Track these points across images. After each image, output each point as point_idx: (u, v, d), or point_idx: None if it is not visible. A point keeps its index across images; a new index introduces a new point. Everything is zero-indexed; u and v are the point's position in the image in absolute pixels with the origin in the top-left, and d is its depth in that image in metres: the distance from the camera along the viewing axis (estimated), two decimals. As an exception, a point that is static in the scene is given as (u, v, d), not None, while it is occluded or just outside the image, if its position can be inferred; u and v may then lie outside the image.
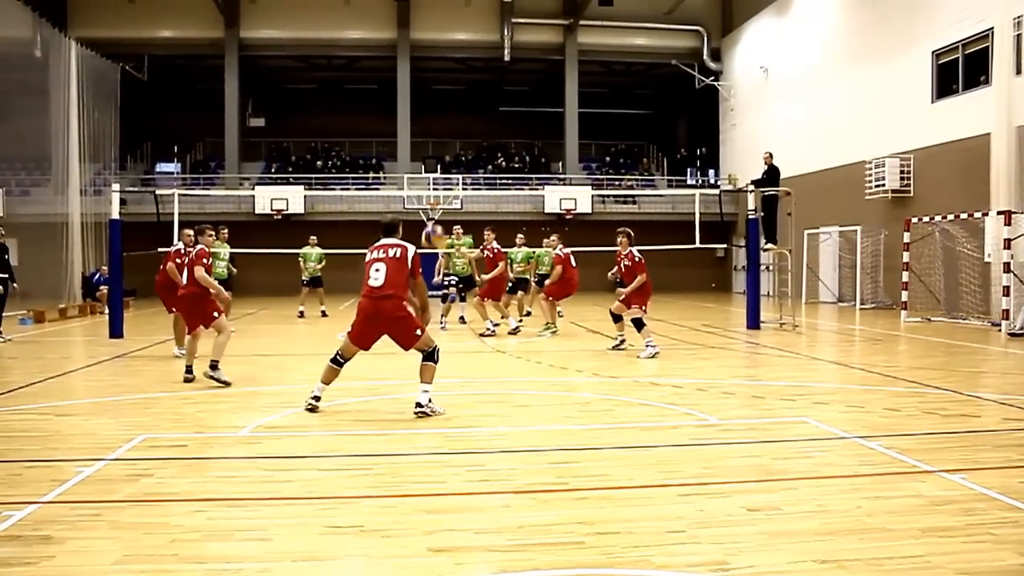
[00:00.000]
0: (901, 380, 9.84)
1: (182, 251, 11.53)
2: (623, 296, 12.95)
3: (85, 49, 24.35)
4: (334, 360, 8.10)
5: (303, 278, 20.59)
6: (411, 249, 8.02)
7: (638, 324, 12.51)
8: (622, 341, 13.17)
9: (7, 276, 15.40)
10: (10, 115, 31.88)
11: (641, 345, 12.53)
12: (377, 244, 8.09)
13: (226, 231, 17.39)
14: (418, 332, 7.85)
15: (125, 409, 8.37)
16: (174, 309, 12.06)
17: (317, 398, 8.03)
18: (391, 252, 7.93)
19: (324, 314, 20.40)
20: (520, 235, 18.11)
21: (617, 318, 13.14)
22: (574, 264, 16.37)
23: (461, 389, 9.16)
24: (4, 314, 15.41)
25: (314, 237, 20.27)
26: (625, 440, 6.76)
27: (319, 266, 20.38)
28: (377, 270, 7.84)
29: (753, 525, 4.60)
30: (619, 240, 13.17)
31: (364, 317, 7.91)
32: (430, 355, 7.89)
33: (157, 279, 12.69)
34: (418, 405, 7.73)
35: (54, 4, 33.71)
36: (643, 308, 12.66)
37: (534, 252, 18.33)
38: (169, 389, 9.62)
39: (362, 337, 8.03)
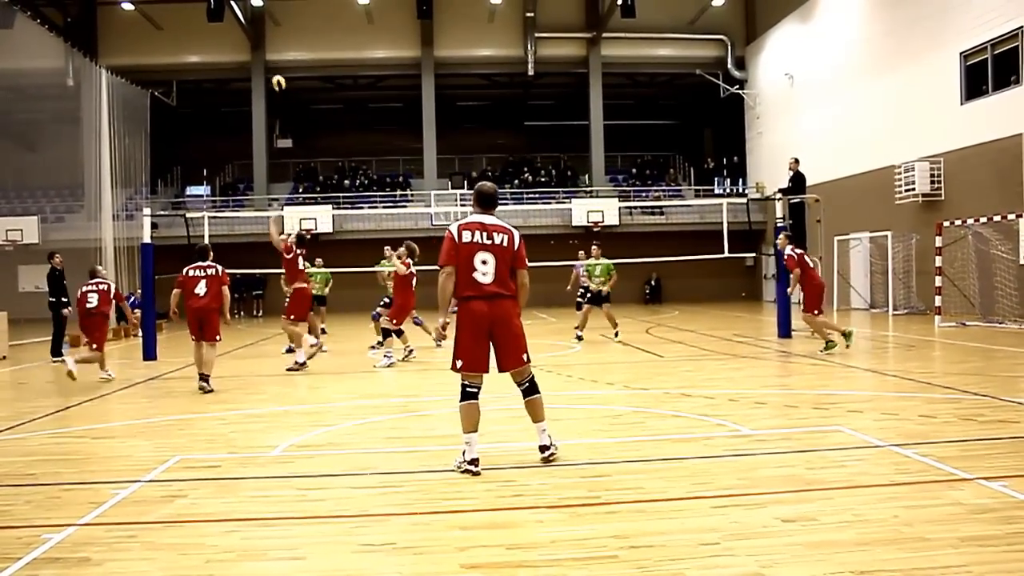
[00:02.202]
0: (936, 386, 9.71)
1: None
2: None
3: (115, 77, 24.74)
4: (465, 395, 6.25)
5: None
6: (517, 234, 6.36)
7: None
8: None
9: (67, 300, 16.29)
10: (44, 144, 32.54)
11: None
12: (476, 222, 6.29)
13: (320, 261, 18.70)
14: (526, 357, 6.40)
15: (159, 431, 8.45)
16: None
17: (475, 461, 6.14)
18: (498, 238, 6.21)
19: (323, 331, 20.30)
20: (595, 246, 17.79)
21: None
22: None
23: (493, 404, 9.15)
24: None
25: (320, 260, 20.21)
26: (658, 452, 6.72)
27: (326, 287, 20.20)
28: (485, 263, 6.16)
29: (788, 536, 4.54)
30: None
31: (475, 326, 6.18)
32: (533, 386, 6.44)
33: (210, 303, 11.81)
34: (544, 448, 6.37)
35: (85, 34, 34.41)
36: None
37: (612, 265, 17.46)
38: (202, 410, 9.70)
39: (480, 353, 6.21)
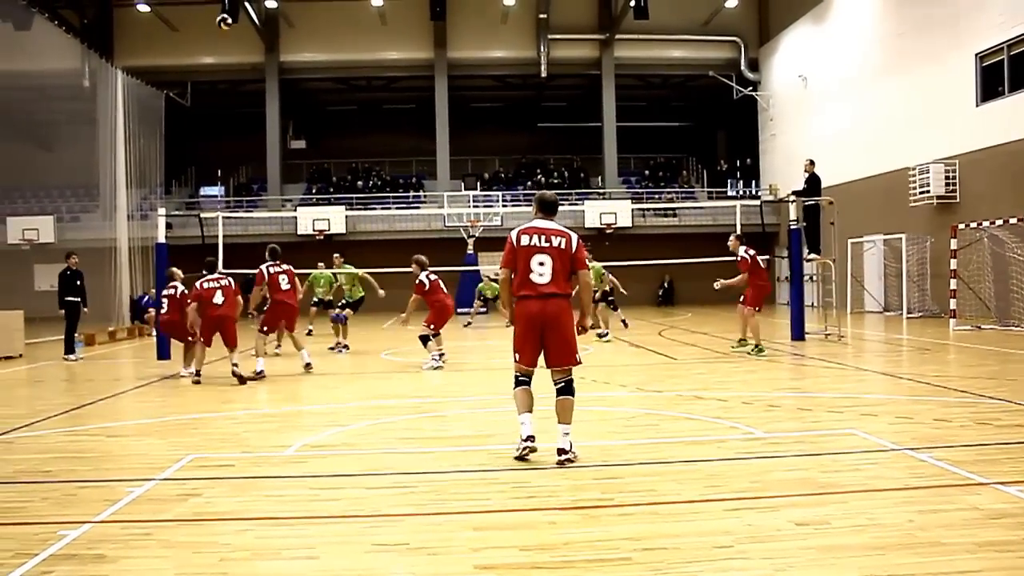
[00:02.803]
0: (952, 390, 9.66)
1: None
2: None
3: (131, 78, 24.86)
4: (518, 382, 6.59)
5: (313, 299, 20.44)
6: (575, 237, 6.63)
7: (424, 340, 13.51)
8: None
9: (79, 300, 16.56)
10: (60, 144, 32.76)
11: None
12: (534, 227, 6.60)
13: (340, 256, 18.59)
14: (578, 357, 6.60)
15: (173, 430, 8.49)
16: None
17: (531, 437, 6.46)
18: (555, 241, 6.51)
19: (309, 332, 20.28)
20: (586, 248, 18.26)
21: None
22: None
23: (504, 405, 9.15)
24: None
25: (322, 263, 20.22)
26: (671, 455, 6.72)
27: (330, 290, 20.19)
28: (542, 264, 6.46)
29: (802, 540, 4.53)
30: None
31: (530, 323, 6.48)
32: (569, 387, 6.54)
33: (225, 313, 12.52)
34: (562, 452, 6.39)
35: (101, 35, 34.61)
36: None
37: (602, 268, 18.83)
38: (216, 410, 9.74)
39: (533, 348, 6.54)
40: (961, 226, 19.49)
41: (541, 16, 35.40)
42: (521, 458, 6.47)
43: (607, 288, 18.88)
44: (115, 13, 35.87)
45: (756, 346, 14.27)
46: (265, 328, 13.22)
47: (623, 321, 20.36)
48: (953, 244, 19.03)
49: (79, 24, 33.94)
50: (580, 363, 6.61)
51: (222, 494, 5.82)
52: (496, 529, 4.88)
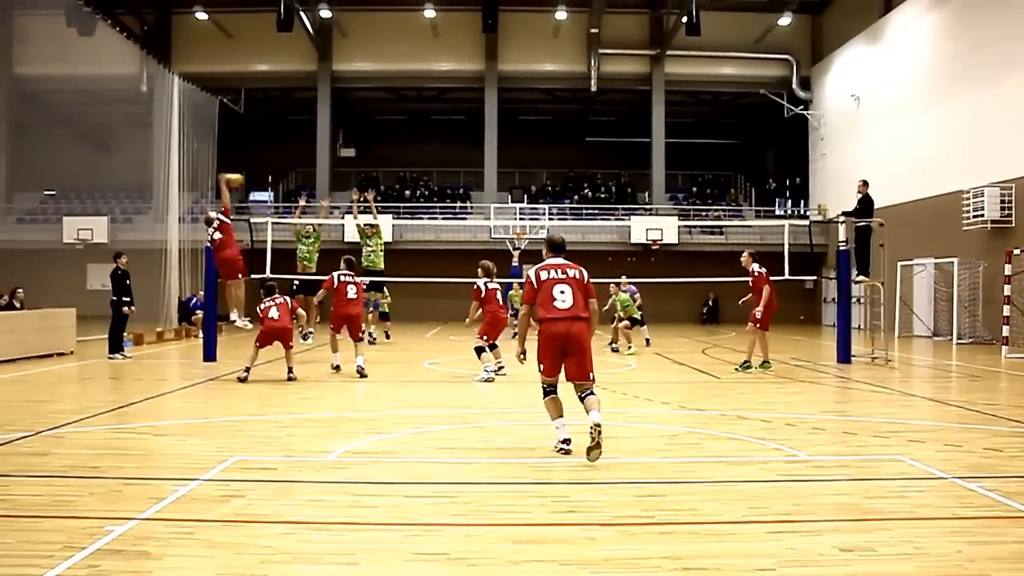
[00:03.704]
0: (1003, 419, 9.45)
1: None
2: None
3: (187, 83, 25.33)
4: (547, 393, 7.45)
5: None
6: (585, 272, 7.61)
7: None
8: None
9: (129, 300, 16.80)
10: (117, 146, 33.48)
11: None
12: (550, 263, 7.56)
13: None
14: (592, 376, 7.31)
15: (218, 431, 8.60)
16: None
17: (567, 440, 7.33)
18: (571, 272, 7.48)
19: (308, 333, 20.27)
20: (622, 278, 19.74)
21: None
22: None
23: (545, 419, 9.14)
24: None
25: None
26: (713, 474, 6.66)
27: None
28: (563, 292, 7.35)
29: (846, 566, 4.46)
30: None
31: (555, 342, 7.27)
32: (592, 392, 7.25)
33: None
34: (596, 426, 6.99)
35: (160, 42, 35.35)
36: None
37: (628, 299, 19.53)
38: (259, 413, 9.85)
39: (556, 363, 7.34)
40: (1016, 251, 19.07)
41: (592, 31, 35.39)
42: (561, 450, 7.29)
43: (633, 315, 19.35)
44: (174, 20, 36.58)
45: (765, 361, 14.63)
46: (333, 327, 14.24)
47: (647, 340, 20.44)
48: (1007, 270, 18.64)
49: (139, 30, 34.68)
50: (594, 381, 7.30)
51: (264, 497, 5.88)
52: (536, 543, 4.87)
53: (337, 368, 14.16)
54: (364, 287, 16.04)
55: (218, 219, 13.45)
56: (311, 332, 18.56)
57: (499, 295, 13.97)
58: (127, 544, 4.71)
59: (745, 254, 15.02)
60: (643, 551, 4.70)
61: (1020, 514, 5.43)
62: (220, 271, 13.75)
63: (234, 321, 13.68)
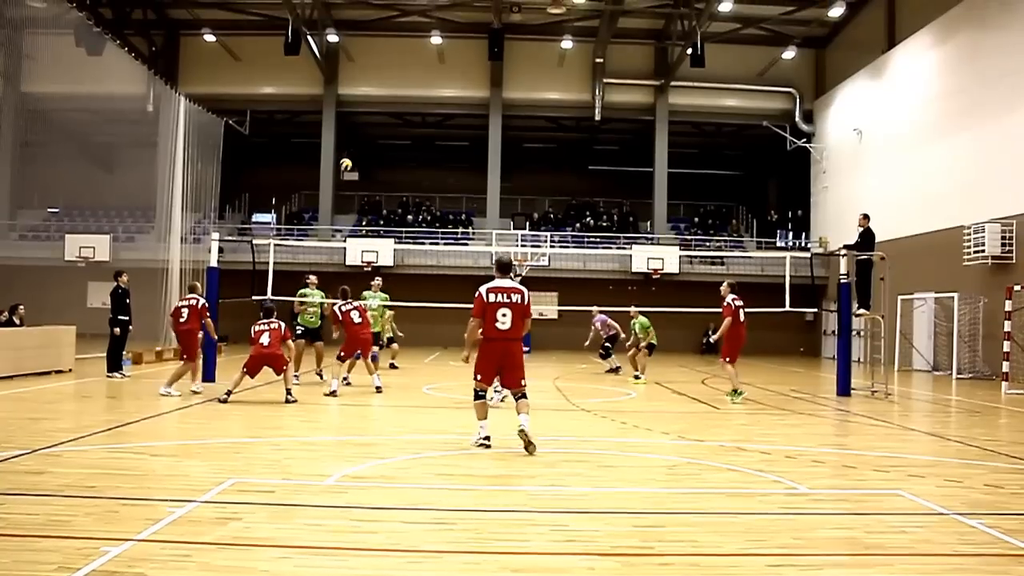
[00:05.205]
0: (1003, 455, 9.41)
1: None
2: None
3: (193, 104, 25.46)
4: (477, 397, 8.94)
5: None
6: (526, 293, 8.96)
7: None
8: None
9: (127, 319, 16.76)
10: (121, 165, 33.61)
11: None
12: (497, 286, 8.90)
13: (315, 278, 17.68)
14: (524, 382, 8.88)
15: (215, 453, 8.57)
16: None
17: (488, 437, 8.85)
18: (514, 298, 8.82)
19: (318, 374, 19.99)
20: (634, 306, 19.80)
21: None
22: None
23: (545, 447, 9.10)
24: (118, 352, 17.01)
25: (366, 292, 20.34)
26: (712, 506, 6.63)
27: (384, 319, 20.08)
28: (504, 315, 8.74)
29: (846, 601, 4.43)
30: None
31: (493, 358, 8.80)
32: (524, 395, 8.82)
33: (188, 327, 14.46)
34: (522, 430, 8.53)
35: (167, 63, 35.60)
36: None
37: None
38: (258, 435, 9.83)
39: (492, 374, 8.94)
40: (1017, 287, 19.06)
41: (597, 60, 35.64)
42: (481, 445, 8.83)
43: (652, 341, 19.31)
44: (182, 42, 36.82)
45: (734, 390, 14.71)
46: (343, 355, 14.64)
47: (615, 368, 20.73)
48: (1008, 305, 18.61)
49: (148, 51, 34.91)
50: (525, 386, 8.88)
51: (262, 520, 5.86)
52: (534, 572, 4.85)
53: (347, 383, 15.21)
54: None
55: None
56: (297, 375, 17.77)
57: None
58: (123, 565, 4.68)
59: (725, 284, 15.17)
60: (642, 582, 4.67)
61: (1021, 552, 5.40)
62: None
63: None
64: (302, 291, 16.92)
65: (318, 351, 17.06)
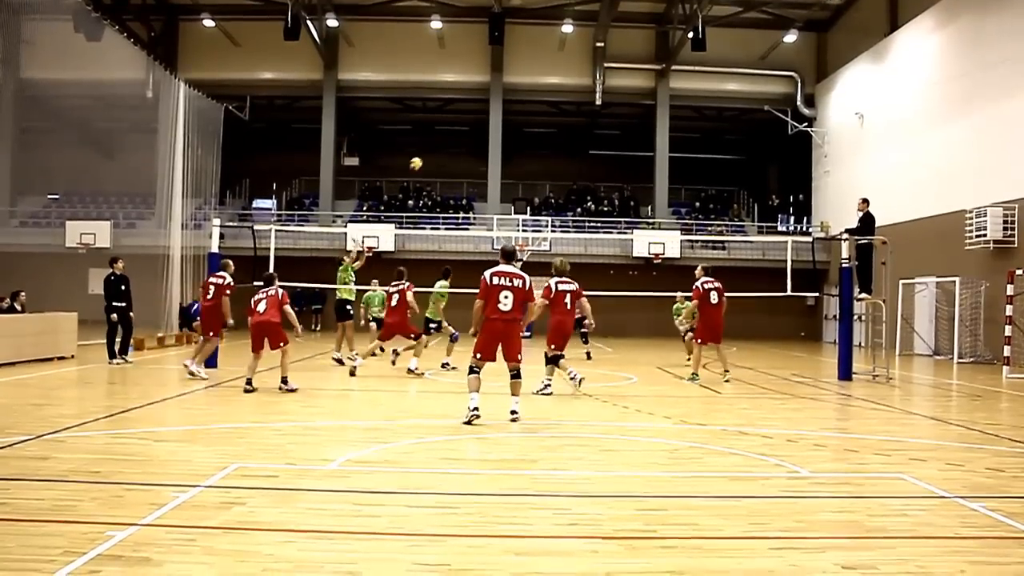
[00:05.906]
0: (1004, 439, 9.43)
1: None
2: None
3: (192, 90, 25.40)
4: (472, 371, 9.55)
5: (369, 317, 20.85)
6: (528, 279, 9.75)
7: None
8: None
9: (123, 305, 16.71)
10: (121, 152, 33.54)
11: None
12: (500, 271, 9.70)
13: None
14: (520, 357, 9.75)
15: (218, 438, 8.59)
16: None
17: (477, 408, 9.39)
18: (516, 283, 9.61)
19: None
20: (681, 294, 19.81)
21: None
22: None
23: (548, 431, 9.12)
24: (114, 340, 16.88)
25: (376, 280, 20.45)
26: (714, 489, 6.64)
27: (381, 309, 20.11)
28: (506, 297, 9.52)
29: (849, 584, 4.45)
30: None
31: (493, 337, 9.57)
32: (518, 373, 9.70)
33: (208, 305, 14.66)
34: (513, 413, 9.57)
35: (167, 48, 35.48)
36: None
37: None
38: (260, 420, 9.85)
39: (492, 352, 9.64)
40: (1019, 271, 19.05)
41: (598, 45, 35.52)
42: (468, 423, 9.34)
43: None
44: (181, 27, 36.71)
45: (694, 373, 15.16)
46: (384, 335, 15.83)
47: (587, 354, 19.86)
48: (1010, 290, 18.61)
49: (147, 37, 34.78)
50: (520, 361, 9.78)
51: (265, 504, 5.88)
52: (538, 555, 4.86)
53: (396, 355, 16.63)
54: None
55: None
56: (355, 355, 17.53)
57: (568, 300, 12.65)
58: (128, 550, 4.70)
59: (699, 267, 15.51)
60: (645, 565, 4.69)
61: (1023, 534, 5.42)
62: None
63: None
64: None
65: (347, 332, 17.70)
